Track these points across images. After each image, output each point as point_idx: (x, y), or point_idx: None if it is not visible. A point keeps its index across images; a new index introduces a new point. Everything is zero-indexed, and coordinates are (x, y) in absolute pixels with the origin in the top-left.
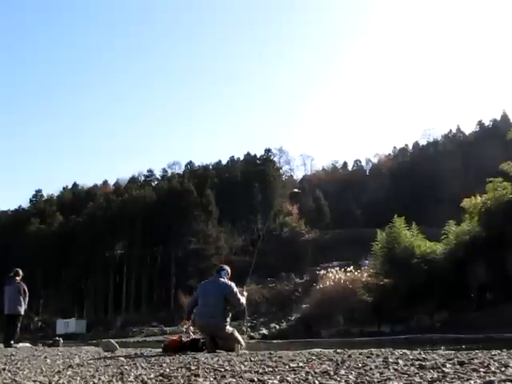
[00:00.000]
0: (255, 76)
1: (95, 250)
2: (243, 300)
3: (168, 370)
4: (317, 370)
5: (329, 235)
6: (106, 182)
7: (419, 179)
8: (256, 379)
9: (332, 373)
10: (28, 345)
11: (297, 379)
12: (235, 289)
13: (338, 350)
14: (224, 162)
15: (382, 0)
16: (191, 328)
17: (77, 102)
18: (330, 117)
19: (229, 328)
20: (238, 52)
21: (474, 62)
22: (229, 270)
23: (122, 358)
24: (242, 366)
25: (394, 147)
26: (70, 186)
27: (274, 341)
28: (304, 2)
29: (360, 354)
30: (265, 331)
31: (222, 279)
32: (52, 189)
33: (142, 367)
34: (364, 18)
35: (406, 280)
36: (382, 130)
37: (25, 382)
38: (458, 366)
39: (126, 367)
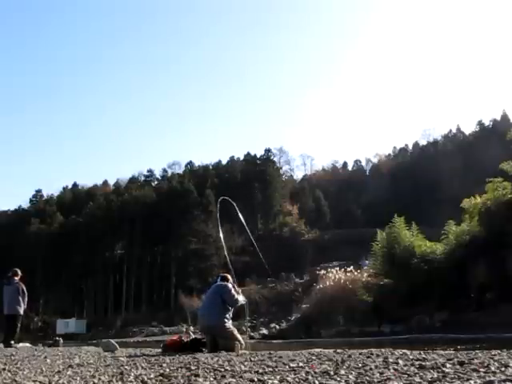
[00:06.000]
0: (255, 76)
1: (95, 250)
2: (239, 297)
3: (168, 369)
4: (317, 370)
5: (329, 235)
6: (106, 182)
7: (419, 179)
8: (256, 379)
9: (332, 373)
10: (28, 345)
11: (297, 379)
12: (229, 287)
13: (338, 350)
14: (224, 162)
15: (383, 0)
16: (191, 328)
17: (77, 101)
18: (330, 117)
19: (229, 326)
20: (238, 52)
21: (473, 61)
22: (227, 276)
23: (121, 358)
24: (242, 366)
25: (394, 147)
26: (70, 186)
27: (274, 341)
28: (305, 2)
29: (360, 353)
30: (265, 331)
31: (220, 283)
32: (52, 189)
33: (142, 367)
34: (364, 18)
35: (406, 280)
36: (382, 130)
37: (25, 382)
38: (458, 366)
39: (126, 367)
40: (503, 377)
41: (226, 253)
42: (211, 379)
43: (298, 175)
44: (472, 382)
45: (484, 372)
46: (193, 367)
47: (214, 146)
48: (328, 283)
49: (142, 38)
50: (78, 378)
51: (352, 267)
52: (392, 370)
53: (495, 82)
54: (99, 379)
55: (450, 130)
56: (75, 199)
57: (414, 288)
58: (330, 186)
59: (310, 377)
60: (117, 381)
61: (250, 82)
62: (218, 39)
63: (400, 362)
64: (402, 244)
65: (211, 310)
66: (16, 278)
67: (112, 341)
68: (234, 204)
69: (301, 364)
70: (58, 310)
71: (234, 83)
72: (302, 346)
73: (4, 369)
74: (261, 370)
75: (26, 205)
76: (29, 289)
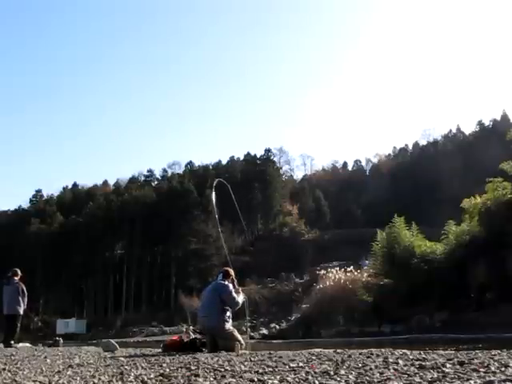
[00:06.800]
0: (255, 76)
1: (95, 250)
2: (239, 298)
3: (168, 369)
4: (317, 370)
5: (329, 235)
6: (106, 182)
7: (419, 179)
8: (256, 379)
9: (332, 373)
10: (28, 345)
11: (297, 379)
12: (229, 288)
13: (338, 350)
14: (224, 162)
15: (384, 0)
16: (191, 328)
17: (77, 101)
18: (330, 117)
19: (229, 327)
20: (238, 52)
21: (473, 61)
22: (230, 272)
23: (122, 358)
24: (242, 366)
25: (394, 147)
26: (70, 186)
27: (274, 341)
28: (305, 2)
29: (360, 353)
30: (265, 331)
31: (220, 281)
32: (52, 189)
33: (142, 367)
34: (365, 18)
35: (406, 280)
36: (382, 130)
37: (25, 382)
38: (458, 366)
39: (126, 367)
40: (503, 377)
41: (219, 228)
42: (211, 379)
43: (298, 175)
44: (472, 381)
45: (484, 372)
46: (193, 367)
47: (214, 145)
48: (328, 283)
49: (141, 38)
50: (78, 378)
51: (352, 267)
52: (392, 370)
53: (495, 82)
54: (99, 379)
55: (450, 130)
56: (75, 199)
57: (414, 288)
58: (330, 186)
59: (310, 377)
60: (117, 381)
61: (250, 82)
62: (217, 39)
63: (400, 361)
64: (402, 244)
65: (211, 310)
66: (16, 278)
67: (112, 341)
68: (228, 186)
69: (301, 364)
70: (58, 310)
71: (234, 83)
72: (301, 345)
73: (4, 369)
74: (261, 370)
75: (26, 205)
76: (29, 289)
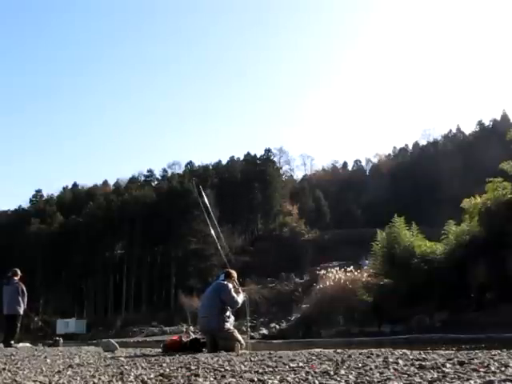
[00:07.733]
0: (255, 76)
1: (95, 250)
2: (238, 298)
3: (168, 369)
4: (317, 370)
5: (329, 235)
6: (106, 182)
7: (419, 179)
8: (256, 379)
9: (332, 373)
10: (28, 345)
11: (297, 379)
12: (229, 288)
13: (338, 350)
14: (224, 162)
15: (383, 0)
16: (191, 328)
17: (77, 101)
18: (330, 117)
19: (229, 327)
20: (238, 52)
21: (473, 61)
22: (232, 273)
23: (122, 358)
24: (242, 366)
25: (394, 147)
26: (70, 186)
27: (274, 341)
28: (305, 2)
29: (360, 353)
30: (265, 331)
31: (220, 281)
32: (52, 189)
33: (142, 367)
34: (364, 17)
35: (406, 280)
36: (382, 130)
37: (25, 382)
38: (457, 366)
39: (126, 367)
40: (503, 377)
41: (212, 232)
42: (211, 379)
43: (298, 175)
44: (472, 381)
45: (484, 372)
46: (193, 367)
47: (214, 145)
48: (328, 283)
49: (141, 38)
50: (78, 378)
51: (352, 267)
52: (392, 370)
53: (495, 82)
54: (99, 379)
55: (450, 130)
56: (75, 199)
57: (414, 288)
58: (330, 186)
59: (310, 377)
60: (117, 381)
61: (250, 81)
62: (218, 39)
63: (400, 361)
64: (402, 244)
65: (211, 310)
66: (16, 278)
67: (112, 341)
68: (201, 187)
69: (301, 364)
70: (58, 310)
71: (234, 83)
72: (301, 345)
73: (4, 369)
74: (261, 370)
75: (26, 205)
76: (29, 289)
